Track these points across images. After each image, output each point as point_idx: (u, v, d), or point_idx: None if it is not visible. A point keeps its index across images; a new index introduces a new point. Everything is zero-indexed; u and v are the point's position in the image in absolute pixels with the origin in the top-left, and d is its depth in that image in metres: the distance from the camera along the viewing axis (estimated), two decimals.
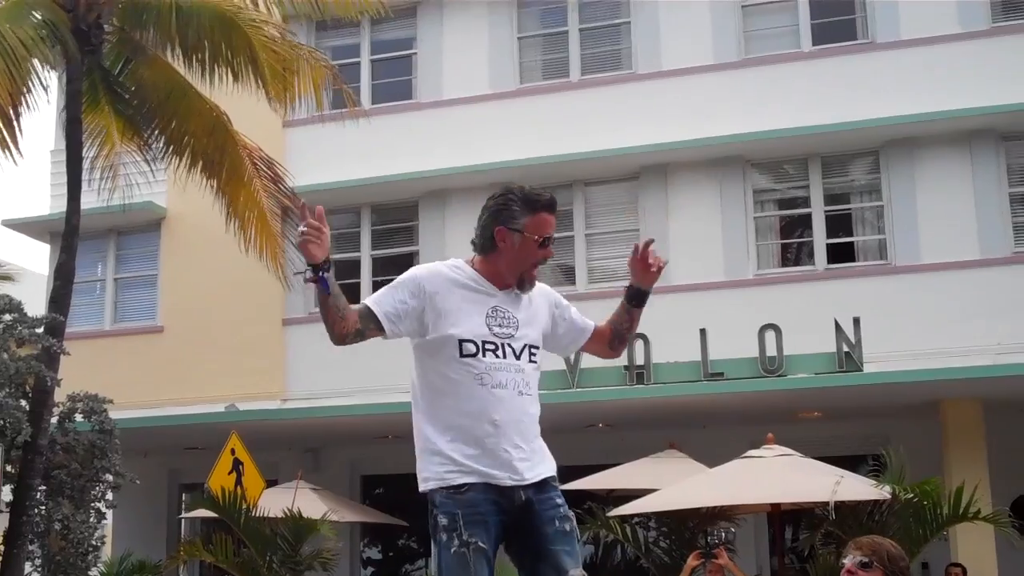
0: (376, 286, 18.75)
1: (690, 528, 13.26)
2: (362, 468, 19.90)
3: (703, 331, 15.88)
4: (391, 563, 20.49)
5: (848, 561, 4.73)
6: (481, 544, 4.34)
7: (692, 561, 11.71)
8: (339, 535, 14.87)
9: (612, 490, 13.57)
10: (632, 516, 13.43)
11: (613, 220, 17.92)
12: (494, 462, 4.37)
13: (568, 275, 18.09)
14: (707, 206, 17.61)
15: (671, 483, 12.61)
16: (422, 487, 4.38)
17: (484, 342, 4.45)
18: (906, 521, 10.77)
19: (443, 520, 4.28)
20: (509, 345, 4.48)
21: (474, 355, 4.44)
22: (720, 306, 16.79)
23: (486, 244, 4.58)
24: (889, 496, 10.86)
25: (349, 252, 19.36)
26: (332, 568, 14.44)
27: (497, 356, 4.45)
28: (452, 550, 4.26)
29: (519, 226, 4.53)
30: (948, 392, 15.33)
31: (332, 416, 17.30)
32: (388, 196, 19.13)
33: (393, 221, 19.51)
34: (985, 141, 16.67)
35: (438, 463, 4.35)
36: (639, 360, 16.14)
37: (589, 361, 15.19)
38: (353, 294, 18.81)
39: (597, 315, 4.82)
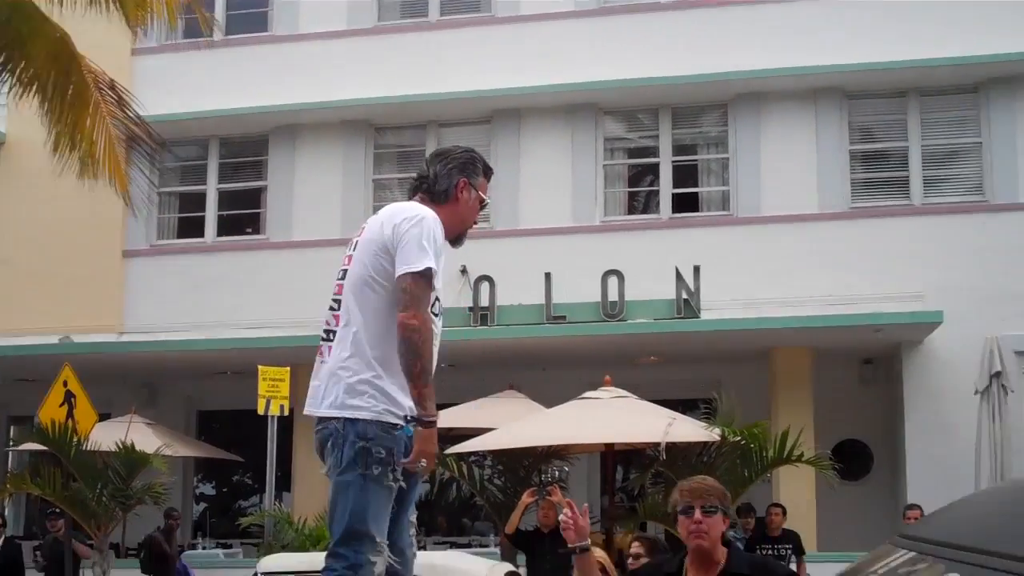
0: (221, 220, 18.51)
1: (525, 467, 13.42)
2: (198, 403, 19.68)
3: (548, 275, 16.05)
4: (225, 498, 20.36)
5: (696, 513, 4.73)
6: (402, 486, 4.44)
7: (526, 498, 11.85)
8: (172, 469, 14.69)
9: (450, 429, 13.61)
10: (469, 454, 13.54)
11: None
12: (411, 408, 4.43)
13: None
14: (558, 151, 17.69)
15: (509, 422, 12.72)
16: (352, 414, 4.33)
17: (437, 299, 4.52)
18: (733, 462, 11.08)
19: (380, 453, 4.30)
20: (438, 299, 4.56)
21: (437, 314, 4.53)
22: (566, 251, 16.93)
23: (447, 193, 4.64)
24: (718, 438, 11.14)
25: (195, 185, 18.99)
26: (163, 502, 14.29)
27: (440, 314, 4.57)
28: (384, 483, 4.32)
29: (477, 183, 4.72)
30: (779, 340, 15.82)
31: (170, 351, 17.04)
32: (237, 129, 18.76)
33: (241, 155, 19.15)
34: (830, 98, 17.07)
35: (381, 399, 4.35)
36: (484, 301, 16.23)
37: None
38: (198, 229, 18.58)
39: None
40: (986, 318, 15.22)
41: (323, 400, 4.42)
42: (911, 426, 15.85)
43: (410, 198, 4.74)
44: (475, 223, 4.80)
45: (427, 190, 4.66)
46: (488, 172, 4.84)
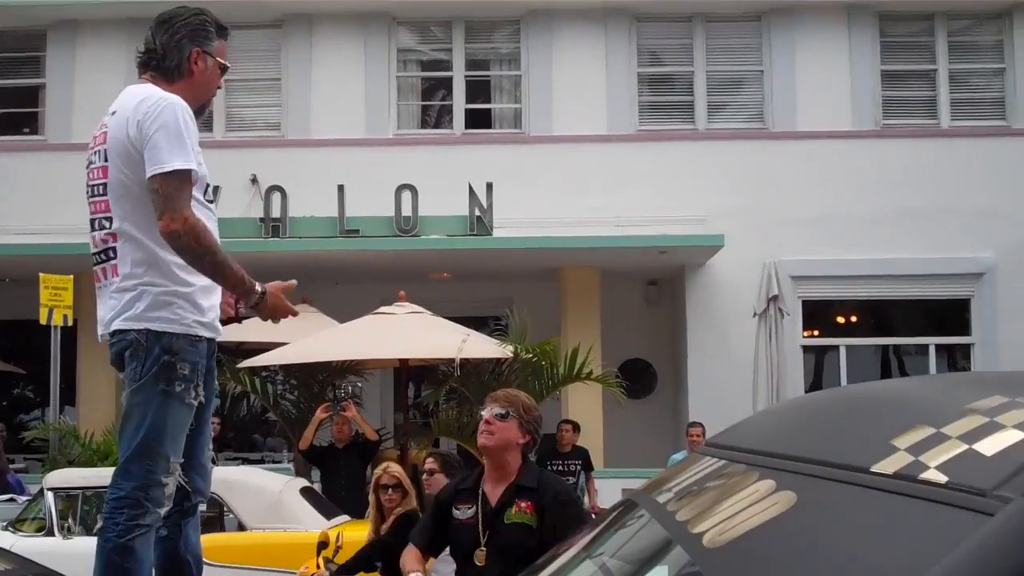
0: None
1: (319, 381, 13.42)
2: None
3: (341, 187, 15.92)
4: (4, 413, 19.60)
5: (486, 413, 4.91)
6: (202, 402, 4.25)
7: (320, 414, 11.88)
8: None
9: (242, 343, 13.46)
10: (261, 369, 13.43)
11: (256, 67, 17.37)
12: (216, 318, 4.26)
13: (207, 123, 17.54)
14: (351, 61, 17.43)
15: (302, 337, 12.65)
16: (153, 326, 4.05)
17: (209, 186, 4.28)
18: (525, 379, 11.33)
19: (184, 369, 4.08)
20: (209, 186, 4.33)
21: (211, 201, 4.30)
22: (359, 163, 16.78)
23: (180, 68, 4.29)
24: (511, 355, 11.36)
25: None
26: None
27: (213, 200, 4.35)
28: (186, 401, 4.12)
29: (212, 49, 4.35)
30: (568, 260, 16.13)
31: None
32: (13, 22, 17.77)
33: (18, 50, 18.17)
34: (619, 20, 17.28)
35: (185, 308, 4.11)
36: (275, 212, 16.01)
37: (224, 211, 14.88)
38: None
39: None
40: (765, 243, 15.84)
41: (119, 315, 4.11)
42: (692, 346, 16.43)
43: (139, 74, 4.40)
44: (219, 88, 4.46)
45: (156, 66, 4.32)
46: (223, 32, 4.43)
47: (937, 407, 1.85)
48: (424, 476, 7.83)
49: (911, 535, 1.48)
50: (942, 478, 1.52)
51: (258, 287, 4.14)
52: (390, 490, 7.83)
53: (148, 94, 4.18)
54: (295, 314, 4.26)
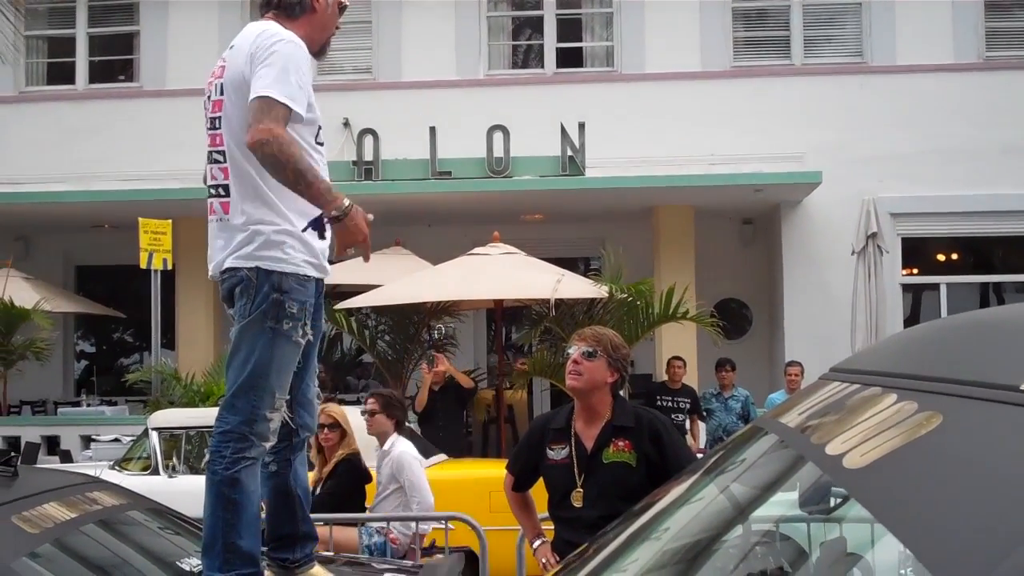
0: (93, 67, 17.85)
1: (414, 323, 13.48)
2: (76, 258, 19.18)
3: (432, 129, 15.89)
4: (105, 356, 20.05)
5: (573, 351, 4.84)
6: (312, 341, 4.27)
7: (429, 376, 11.98)
8: (53, 325, 14.40)
9: (337, 285, 13.55)
10: (357, 310, 13.52)
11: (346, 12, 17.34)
12: (325, 258, 4.24)
13: None
14: (441, 2, 17.36)
15: (396, 279, 12.71)
16: (264, 264, 4.04)
17: (320, 128, 4.25)
18: (620, 319, 11.25)
19: (292, 308, 4.07)
20: (321, 128, 4.29)
21: (321, 144, 4.26)
22: (450, 105, 16.74)
23: (302, 4, 4.29)
24: (606, 295, 11.29)
25: (63, 28, 18.23)
26: (45, 359, 14.03)
27: (322, 143, 4.30)
28: (293, 339, 4.11)
29: None
30: (662, 198, 15.96)
31: (43, 202, 16.49)
32: None
33: None
34: None
35: (296, 247, 4.09)
36: (367, 155, 16.06)
37: None
38: (67, 74, 17.91)
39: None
40: (863, 179, 15.58)
41: (231, 253, 4.10)
42: (789, 285, 16.23)
43: (261, 14, 4.35)
44: (337, 28, 4.44)
45: (279, 5, 4.29)
46: None
47: None
48: (366, 417, 7.89)
49: None
50: None
51: (345, 200, 4.02)
52: (326, 429, 7.81)
53: (265, 28, 4.17)
54: (367, 240, 4.10)
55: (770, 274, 17.15)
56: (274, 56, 4.02)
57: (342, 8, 4.44)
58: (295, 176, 3.92)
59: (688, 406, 12.96)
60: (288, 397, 4.19)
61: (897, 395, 1.94)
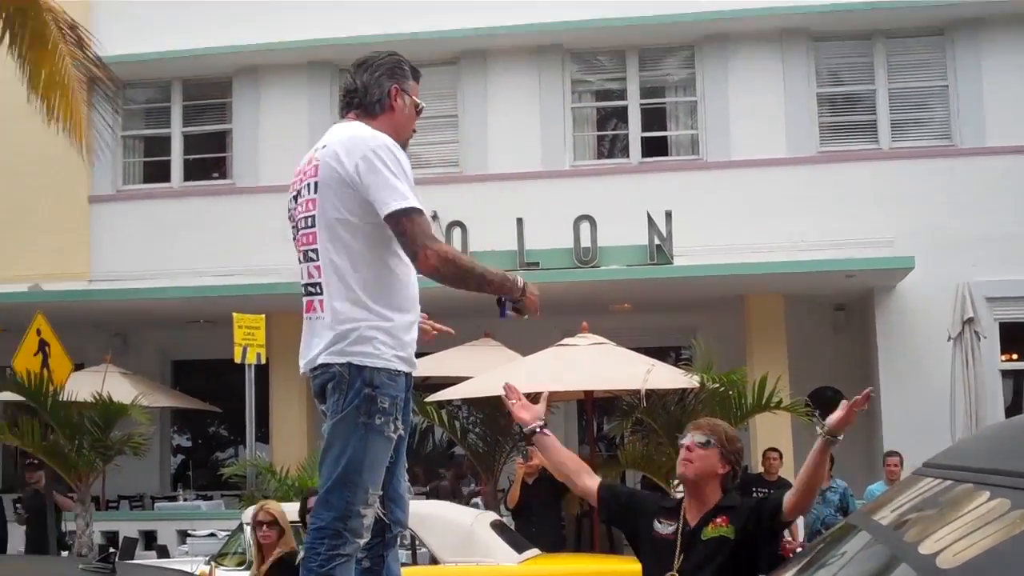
0: (187, 165, 18.34)
1: (505, 415, 13.43)
2: (172, 353, 19.54)
3: (519, 220, 16.00)
4: (201, 450, 20.31)
5: (687, 439, 4.83)
6: (403, 436, 4.30)
7: (522, 471, 11.92)
8: (150, 420, 14.62)
9: (427, 378, 13.63)
10: (447, 403, 13.54)
11: (432, 106, 17.53)
12: (413, 353, 4.31)
13: None
14: (525, 94, 17.61)
15: (485, 371, 12.72)
16: (356, 360, 4.11)
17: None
18: (712, 409, 11.09)
19: (384, 403, 4.13)
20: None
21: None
22: (536, 196, 16.89)
23: (381, 103, 4.40)
24: (697, 385, 11.19)
25: (159, 128, 18.79)
26: (143, 453, 14.21)
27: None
28: (385, 434, 4.16)
29: (409, 88, 4.46)
30: (752, 286, 15.88)
31: (140, 299, 16.90)
32: (201, 71, 18.50)
33: (206, 97, 18.92)
34: (796, 40, 17.07)
35: (388, 343, 4.16)
36: (456, 248, 16.18)
37: None
38: (163, 172, 18.41)
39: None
40: (957, 263, 15.36)
41: (324, 350, 4.18)
42: (885, 372, 15.91)
43: (342, 115, 4.48)
44: (413, 131, 4.55)
45: (359, 104, 4.40)
46: (416, 75, 4.53)
47: None
48: (263, 529, 7.80)
49: None
50: None
51: (520, 280, 4.28)
52: (265, 527, 7.78)
53: (361, 131, 4.28)
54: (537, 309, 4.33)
55: (865, 361, 16.88)
56: (384, 161, 4.14)
57: (419, 110, 4.53)
58: (477, 284, 4.18)
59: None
60: (381, 492, 4.21)
61: (990, 492, 1.92)
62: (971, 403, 13.78)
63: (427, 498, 14.25)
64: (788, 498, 4.61)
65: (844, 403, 4.52)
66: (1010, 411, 15.60)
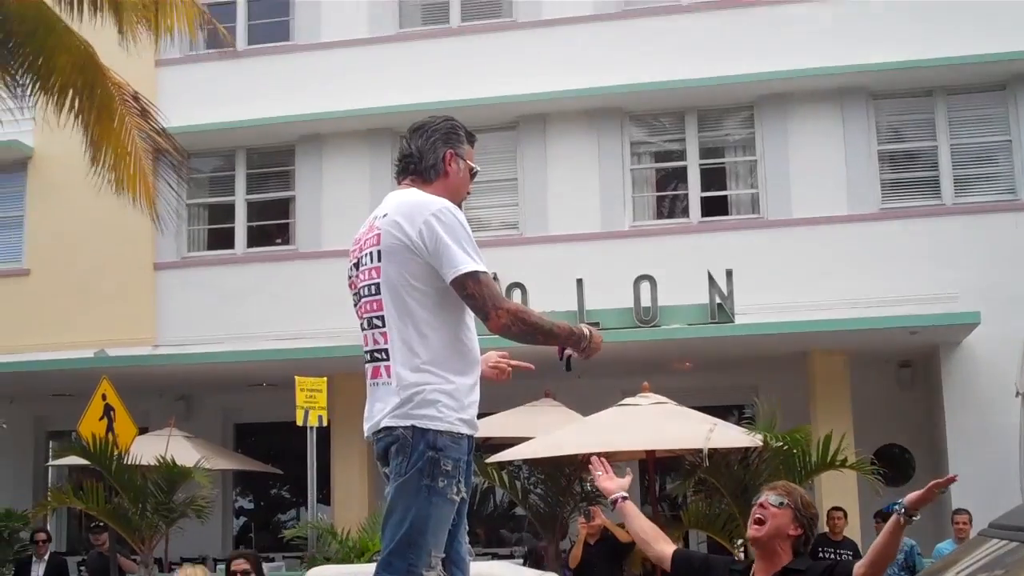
0: (251, 232, 18.60)
1: (566, 475, 13.40)
2: (235, 416, 19.73)
3: (579, 281, 16.01)
4: (263, 512, 20.38)
5: (763, 498, 4.84)
6: (465, 498, 4.29)
7: (585, 531, 11.87)
8: (212, 483, 14.72)
9: (488, 438, 13.63)
10: (508, 463, 13.51)
11: (492, 169, 17.72)
12: (475, 415, 4.32)
13: None
14: (585, 157, 17.70)
15: (547, 431, 12.69)
16: (419, 423, 4.12)
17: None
18: (776, 468, 10.94)
19: (447, 466, 4.12)
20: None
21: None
22: (596, 257, 16.92)
23: (436, 168, 4.43)
24: (760, 444, 11.07)
25: (223, 196, 19.09)
26: (206, 516, 14.30)
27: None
28: (448, 497, 4.15)
29: (463, 152, 4.50)
30: (815, 343, 15.74)
31: (204, 363, 17.10)
32: (264, 139, 18.82)
33: (269, 165, 19.22)
34: (856, 99, 17.04)
35: (452, 406, 4.18)
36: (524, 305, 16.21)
37: None
38: (227, 240, 18.67)
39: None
40: (1022, 318, 15.13)
41: (388, 413, 4.19)
42: (952, 429, 15.70)
43: (398, 181, 4.52)
44: (468, 194, 4.58)
45: (415, 170, 4.44)
46: (472, 139, 4.57)
47: None
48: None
49: None
50: None
51: (585, 329, 4.36)
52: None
53: (419, 196, 4.32)
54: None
55: (931, 418, 16.65)
56: (448, 226, 4.18)
57: (474, 173, 4.56)
58: (544, 338, 4.25)
59: (850, 557, 12.54)
60: (444, 555, 4.19)
61: None
62: None
63: (524, 561, 14.23)
64: (858, 569, 4.57)
65: (930, 484, 4.50)
66: None
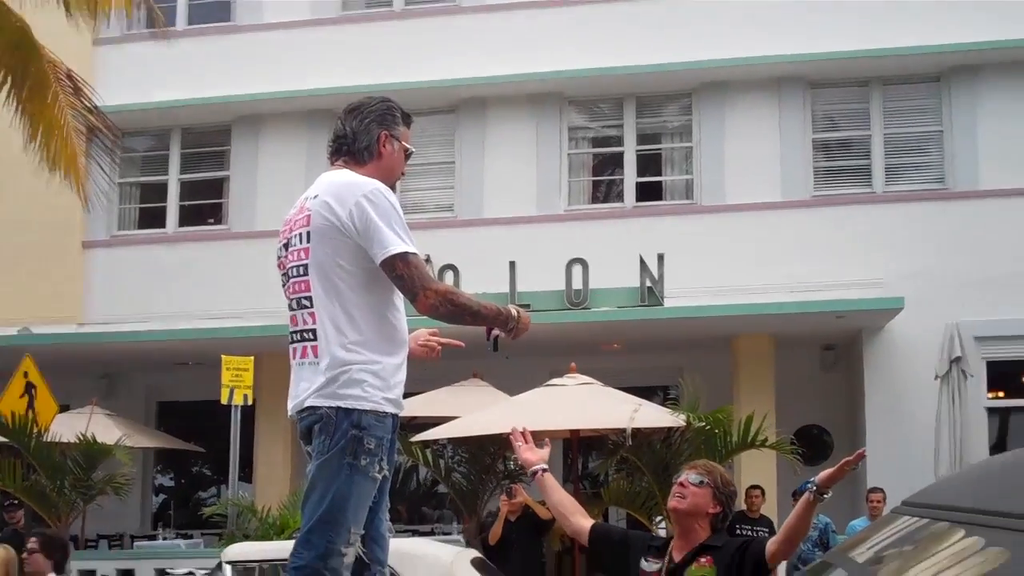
0: (183, 211, 18.40)
1: (490, 454, 13.42)
2: (159, 394, 19.58)
3: (512, 263, 16.01)
4: (184, 489, 20.28)
5: (683, 477, 4.92)
6: (387, 476, 4.33)
7: (506, 508, 11.86)
8: (133, 461, 14.59)
9: (414, 417, 13.59)
10: (432, 442, 13.50)
11: (430, 152, 17.65)
12: (401, 394, 4.36)
13: None
14: (523, 141, 17.70)
15: (472, 411, 12.69)
16: (344, 403, 4.16)
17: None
18: (697, 448, 11.10)
19: (370, 444, 4.16)
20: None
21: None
22: (530, 240, 16.92)
23: (370, 149, 4.44)
24: (683, 424, 11.17)
25: (157, 175, 18.87)
26: (125, 494, 14.16)
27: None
28: (370, 475, 4.19)
29: (398, 134, 4.50)
30: (742, 327, 15.87)
31: (129, 341, 16.89)
32: (200, 119, 18.65)
33: (204, 145, 19.03)
34: (793, 88, 17.15)
35: (378, 386, 4.22)
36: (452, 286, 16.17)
37: None
38: (159, 219, 18.45)
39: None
40: (946, 304, 15.41)
41: (313, 393, 4.23)
42: (871, 411, 15.97)
43: (331, 162, 4.52)
44: (402, 174, 4.60)
45: (347, 151, 4.45)
46: (408, 120, 4.58)
47: None
48: (24, 555, 7.87)
49: None
50: None
51: (513, 310, 4.42)
52: None
53: (352, 178, 4.33)
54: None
55: (852, 400, 16.90)
56: (380, 208, 4.21)
57: (408, 154, 4.57)
58: (472, 319, 4.33)
59: (767, 535, 12.70)
60: (363, 532, 4.24)
61: (965, 531, 1.87)
62: (956, 441, 13.89)
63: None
64: (771, 546, 4.66)
65: (842, 462, 4.56)
66: (995, 449, 15.59)
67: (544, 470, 5.08)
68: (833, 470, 4.52)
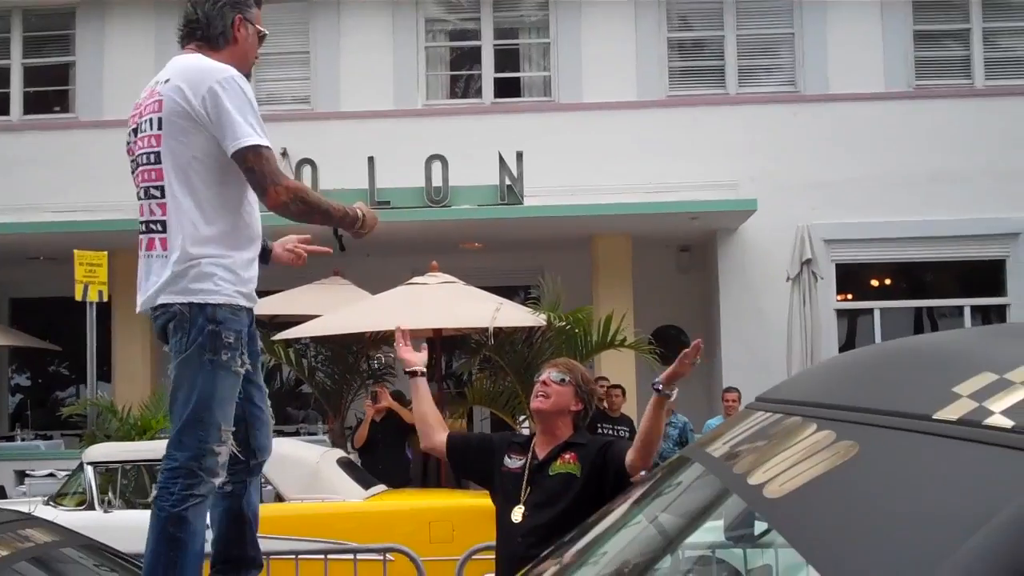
0: (27, 97, 17.70)
1: (353, 353, 13.44)
2: (11, 291, 18.96)
3: (371, 159, 15.90)
4: (40, 389, 19.83)
5: (545, 375, 4.97)
6: (248, 371, 4.27)
7: (372, 412, 11.94)
8: None
9: (274, 316, 13.51)
10: (295, 341, 13.46)
11: (283, 42, 17.22)
12: (254, 288, 4.32)
13: None
14: (378, 32, 17.38)
15: (335, 309, 12.67)
16: (196, 298, 4.09)
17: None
18: (558, 347, 11.28)
19: (229, 338, 4.11)
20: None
21: None
22: (388, 135, 16.75)
23: (225, 35, 4.33)
24: (544, 323, 11.33)
25: None
26: None
27: None
28: (233, 369, 4.14)
29: (252, 17, 4.40)
30: (600, 227, 16.05)
31: None
32: (42, 1, 17.83)
33: (47, 28, 18.23)
34: None
35: (230, 279, 4.15)
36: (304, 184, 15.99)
37: None
38: (3, 107, 17.71)
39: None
40: (798, 207, 15.74)
41: (163, 289, 4.14)
42: (726, 311, 16.38)
43: (183, 46, 4.40)
44: (256, 59, 4.53)
45: (202, 36, 4.33)
46: (259, 1, 4.51)
47: (998, 354, 1.82)
48: None
49: (977, 481, 1.46)
50: (1007, 423, 1.50)
51: (359, 211, 4.44)
52: None
53: (206, 64, 4.22)
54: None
55: (707, 300, 17.29)
56: (233, 96, 4.09)
57: (262, 38, 4.49)
58: (322, 218, 4.30)
59: (627, 434, 12.98)
60: (234, 428, 4.20)
61: (817, 425, 1.97)
62: (807, 341, 14.25)
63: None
64: (629, 456, 4.69)
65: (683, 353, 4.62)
66: (844, 349, 16.19)
67: (422, 373, 5.12)
68: (674, 366, 4.60)
